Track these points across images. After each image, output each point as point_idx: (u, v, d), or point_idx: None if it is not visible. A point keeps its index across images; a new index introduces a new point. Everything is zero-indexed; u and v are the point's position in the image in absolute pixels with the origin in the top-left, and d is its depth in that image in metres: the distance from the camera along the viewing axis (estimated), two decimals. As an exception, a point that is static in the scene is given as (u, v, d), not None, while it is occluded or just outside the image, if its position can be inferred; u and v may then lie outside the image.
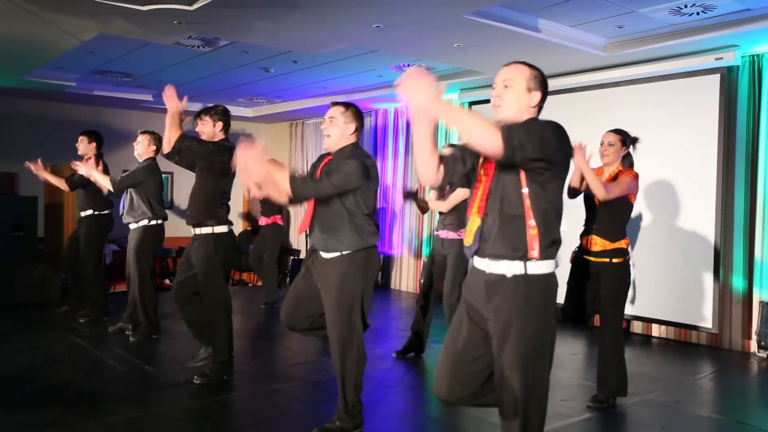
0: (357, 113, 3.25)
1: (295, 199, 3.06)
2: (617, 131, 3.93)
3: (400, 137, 8.81)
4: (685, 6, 4.64)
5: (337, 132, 3.19)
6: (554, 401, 3.16)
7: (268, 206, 7.01)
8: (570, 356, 5.04)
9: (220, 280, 4.13)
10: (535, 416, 2.20)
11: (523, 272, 2.18)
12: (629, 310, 6.10)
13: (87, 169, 5.35)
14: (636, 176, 3.82)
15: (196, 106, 9.19)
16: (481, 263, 2.27)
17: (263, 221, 7.12)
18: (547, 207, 2.19)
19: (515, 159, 2.06)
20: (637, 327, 6.14)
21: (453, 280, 4.70)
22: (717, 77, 5.59)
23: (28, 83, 7.35)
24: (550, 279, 2.23)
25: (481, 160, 2.33)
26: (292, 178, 3.00)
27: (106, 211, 6.02)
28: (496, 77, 2.31)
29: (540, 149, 2.09)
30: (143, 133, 5.54)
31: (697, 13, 4.79)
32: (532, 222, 2.16)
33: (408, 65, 6.58)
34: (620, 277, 3.84)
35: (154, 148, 5.47)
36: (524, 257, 2.17)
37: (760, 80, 5.40)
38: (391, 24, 4.86)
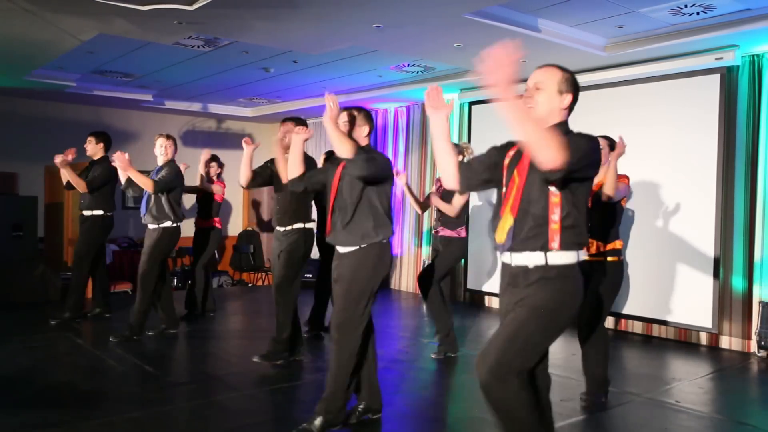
0: (368, 115, 3.39)
1: (350, 166, 3.22)
2: (605, 136, 3.97)
3: (400, 137, 8.81)
4: (685, 6, 4.64)
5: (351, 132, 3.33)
6: (554, 401, 3.15)
7: (205, 209, 6.41)
8: (570, 356, 5.03)
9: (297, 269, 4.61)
10: (509, 359, 2.23)
11: (543, 263, 2.29)
12: (630, 310, 6.13)
13: (125, 164, 5.34)
14: (627, 182, 3.97)
15: (196, 106, 9.23)
16: (506, 257, 2.39)
17: (200, 223, 6.47)
18: (572, 208, 2.28)
19: (562, 176, 2.16)
20: (637, 327, 6.14)
21: (439, 271, 4.86)
22: (717, 77, 5.59)
23: (28, 83, 7.35)
24: (571, 270, 2.31)
25: (507, 160, 2.43)
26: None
27: (110, 213, 6.06)
28: (529, 79, 2.38)
29: (584, 168, 2.23)
30: (163, 136, 5.56)
31: (697, 13, 4.79)
32: (555, 217, 2.27)
33: (408, 65, 6.58)
34: (613, 274, 3.92)
35: (175, 149, 5.55)
36: (545, 248, 2.28)
37: (760, 80, 5.40)
38: (391, 24, 4.86)
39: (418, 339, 5.63)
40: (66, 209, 8.01)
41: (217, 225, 6.48)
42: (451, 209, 4.77)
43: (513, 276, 2.36)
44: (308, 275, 7.97)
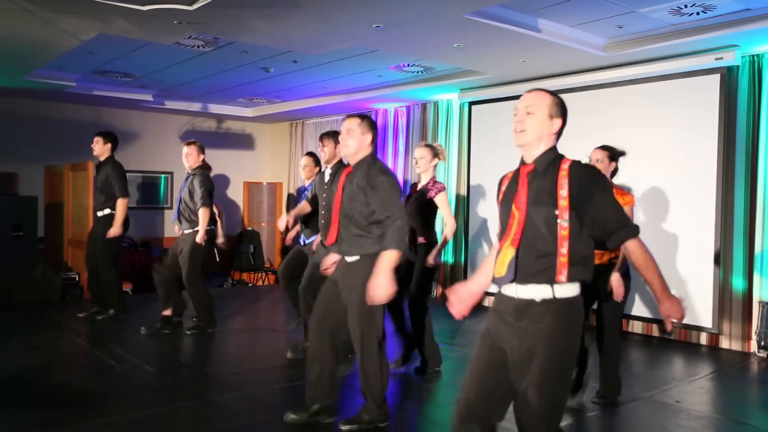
0: (372, 123, 3.42)
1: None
2: (604, 148, 3.97)
3: (400, 137, 8.81)
4: (685, 6, 4.64)
5: (355, 143, 3.35)
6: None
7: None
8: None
9: None
10: (555, 425, 2.26)
11: (551, 296, 2.24)
12: (629, 310, 6.12)
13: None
14: (633, 203, 3.96)
15: (196, 106, 9.23)
16: (509, 289, 2.32)
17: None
18: (578, 240, 2.27)
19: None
20: (637, 327, 6.14)
21: (417, 284, 4.65)
22: (717, 77, 5.59)
23: (28, 83, 7.35)
24: (576, 302, 2.29)
25: (501, 196, 2.45)
26: (393, 250, 3.15)
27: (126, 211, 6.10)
28: (519, 103, 2.37)
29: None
30: (190, 144, 5.62)
31: (697, 13, 4.79)
32: (563, 250, 2.24)
33: (408, 65, 6.59)
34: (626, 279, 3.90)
35: (203, 156, 5.63)
36: (552, 281, 2.24)
37: (760, 80, 5.40)
38: (391, 24, 4.86)
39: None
40: (66, 209, 8.01)
41: None
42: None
43: (517, 308, 2.28)
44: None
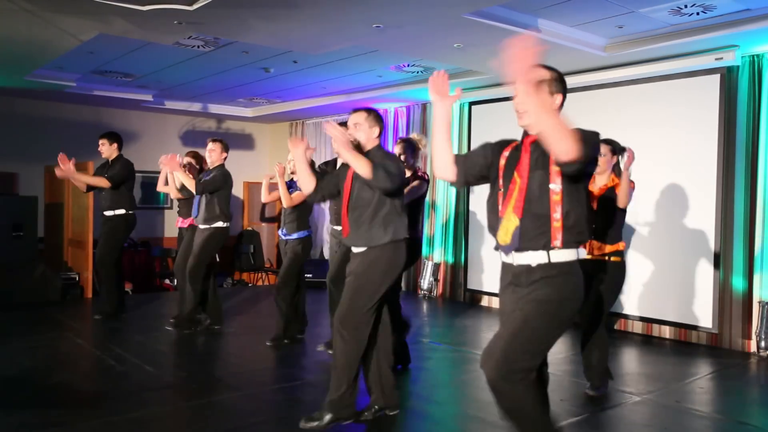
0: (378, 117, 3.45)
1: (374, 182, 3.21)
2: (607, 141, 4.02)
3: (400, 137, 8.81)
4: (685, 6, 4.64)
5: (363, 136, 3.39)
6: (554, 401, 3.16)
7: (187, 206, 6.06)
8: (570, 357, 5.04)
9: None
10: (516, 355, 2.27)
11: (546, 261, 2.30)
12: (630, 310, 6.13)
13: (173, 165, 5.52)
14: (634, 187, 4.01)
15: (196, 106, 9.23)
16: (508, 257, 2.39)
17: (182, 223, 6.12)
18: (572, 205, 2.29)
19: (577, 169, 2.17)
20: (637, 327, 6.14)
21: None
22: (717, 77, 5.58)
23: (28, 83, 7.35)
24: (572, 267, 2.33)
25: (503, 161, 2.44)
26: (373, 167, 3.19)
27: (132, 211, 6.14)
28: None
29: (593, 160, 2.29)
30: (214, 141, 5.67)
31: (697, 13, 4.79)
32: (556, 215, 2.27)
33: (408, 65, 6.58)
34: (615, 274, 3.99)
35: (226, 155, 5.67)
36: (547, 246, 2.29)
37: (760, 80, 5.40)
38: (391, 24, 4.86)
39: (418, 338, 5.62)
40: (66, 209, 8.00)
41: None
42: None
43: (515, 275, 2.36)
44: (308, 275, 7.96)
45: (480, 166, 2.52)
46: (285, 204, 5.22)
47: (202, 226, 5.55)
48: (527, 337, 2.28)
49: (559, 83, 2.38)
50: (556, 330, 2.34)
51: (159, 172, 6.32)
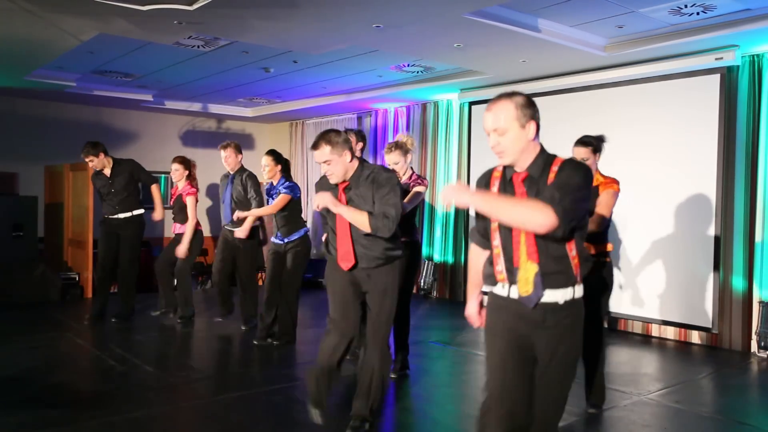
0: (342, 137, 3.21)
1: (377, 234, 3.17)
2: (585, 143, 3.77)
3: (400, 137, 8.81)
4: (685, 6, 4.64)
5: (340, 169, 3.20)
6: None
7: (181, 213, 6.12)
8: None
9: None
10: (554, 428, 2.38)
11: (572, 297, 2.26)
12: (630, 310, 6.12)
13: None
14: (618, 187, 3.76)
15: (196, 107, 9.23)
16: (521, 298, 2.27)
17: (177, 228, 6.17)
18: (579, 239, 2.27)
19: (564, 231, 2.12)
20: (637, 327, 6.14)
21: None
22: (717, 77, 5.58)
23: (28, 83, 7.35)
24: (582, 300, 2.34)
25: None
26: (371, 218, 3.15)
27: (143, 211, 6.22)
28: (485, 124, 2.25)
29: (583, 208, 2.19)
30: (226, 147, 5.70)
31: (697, 13, 4.79)
32: (573, 253, 2.24)
33: (408, 65, 6.58)
34: (602, 276, 3.80)
35: (241, 156, 5.75)
36: (571, 283, 2.25)
37: (760, 80, 5.40)
38: (391, 24, 4.86)
39: (418, 338, 5.62)
40: (66, 209, 8.01)
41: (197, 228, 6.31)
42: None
43: (545, 311, 2.23)
44: (308, 275, 7.96)
45: (485, 227, 2.43)
46: (270, 212, 5.24)
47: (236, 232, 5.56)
48: (565, 396, 2.36)
49: (526, 111, 2.20)
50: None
51: (159, 173, 6.39)
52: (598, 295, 3.82)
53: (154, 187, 6.19)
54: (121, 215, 6.06)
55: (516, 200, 2.19)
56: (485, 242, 2.43)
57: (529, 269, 2.21)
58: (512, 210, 2.12)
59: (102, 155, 6.05)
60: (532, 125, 2.21)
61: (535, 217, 2.06)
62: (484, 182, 2.39)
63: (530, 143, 2.23)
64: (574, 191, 2.11)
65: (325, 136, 3.18)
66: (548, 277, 2.22)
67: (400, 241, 3.35)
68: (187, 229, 5.95)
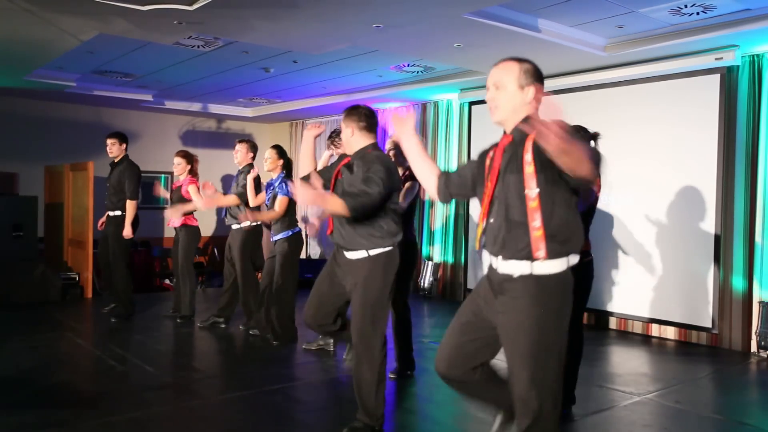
0: (351, 112, 3.24)
1: (353, 214, 3.04)
2: (576, 130, 3.52)
3: (400, 137, 8.80)
4: (685, 6, 4.64)
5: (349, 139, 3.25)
6: (554, 401, 3.15)
7: (180, 204, 6.01)
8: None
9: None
10: (548, 415, 2.20)
11: (529, 272, 2.17)
12: (630, 310, 6.12)
13: (210, 203, 5.58)
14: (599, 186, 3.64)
15: (196, 106, 9.23)
16: (494, 261, 2.29)
17: (174, 223, 6.15)
18: (558, 208, 2.15)
19: (587, 187, 2.14)
20: (637, 327, 6.14)
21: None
22: (717, 77, 5.58)
23: (28, 83, 7.35)
24: (559, 279, 2.19)
25: (485, 169, 2.35)
26: (344, 198, 3.00)
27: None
28: (488, 78, 2.32)
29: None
30: (241, 141, 5.75)
31: (697, 13, 4.79)
32: (535, 224, 2.13)
33: (408, 65, 6.58)
34: (584, 276, 3.59)
35: (252, 155, 5.73)
36: (529, 257, 2.16)
37: (760, 80, 5.40)
38: (391, 24, 4.86)
39: (419, 338, 5.62)
40: (66, 209, 8.00)
41: (192, 222, 6.19)
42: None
43: (498, 283, 2.25)
44: (308, 275, 7.97)
45: (462, 183, 2.50)
46: (276, 216, 5.11)
47: (234, 227, 5.65)
48: (548, 375, 2.23)
49: (530, 74, 2.24)
50: (563, 335, 2.24)
51: (159, 173, 6.39)
52: (577, 296, 3.70)
53: (129, 203, 6.04)
54: (110, 213, 6.12)
55: (581, 144, 1.96)
56: (447, 192, 2.55)
57: (479, 227, 2.35)
58: (582, 151, 1.92)
59: (122, 146, 6.13)
60: (531, 90, 2.25)
61: (586, 165, 1.94)
62: (482, 155, 2.45)
63: (524, 106, 2.26)
64: (596, 160, 2.08)
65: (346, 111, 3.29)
66: (508, 245, 2.21)
67: (389, 234, 3.17)
68: (193, 200, 5.81)
